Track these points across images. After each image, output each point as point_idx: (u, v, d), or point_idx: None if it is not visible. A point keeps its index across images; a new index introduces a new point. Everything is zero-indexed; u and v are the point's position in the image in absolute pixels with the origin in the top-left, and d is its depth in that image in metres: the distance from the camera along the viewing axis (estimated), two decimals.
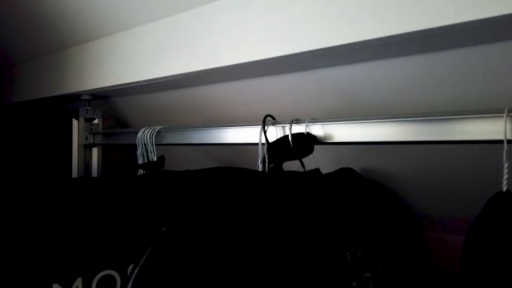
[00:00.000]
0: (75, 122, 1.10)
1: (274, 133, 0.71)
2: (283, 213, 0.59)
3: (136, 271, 0.47)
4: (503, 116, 0.49)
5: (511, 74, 0.58)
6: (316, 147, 0.67)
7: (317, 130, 0.67)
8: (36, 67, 1.15)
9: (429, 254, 0.90)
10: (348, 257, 0.64)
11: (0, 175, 1.24)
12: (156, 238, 0.49)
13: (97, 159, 1.11)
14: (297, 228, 0.59)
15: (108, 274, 0.56)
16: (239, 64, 0.70)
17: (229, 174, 0.64)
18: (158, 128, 0.89)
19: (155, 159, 0.87)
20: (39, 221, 0.53)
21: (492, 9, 0.46)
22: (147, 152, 0.88)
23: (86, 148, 1.11)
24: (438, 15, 0.50)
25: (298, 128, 0.68)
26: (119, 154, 1.26)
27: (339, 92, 0.76)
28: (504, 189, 0.47)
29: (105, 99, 1.14)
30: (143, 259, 0.47)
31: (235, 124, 0.78)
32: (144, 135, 0.88)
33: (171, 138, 0.89)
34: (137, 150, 0.89)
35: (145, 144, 0.88)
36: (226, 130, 0.79)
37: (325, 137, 0.66)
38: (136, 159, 0.90)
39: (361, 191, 0.78)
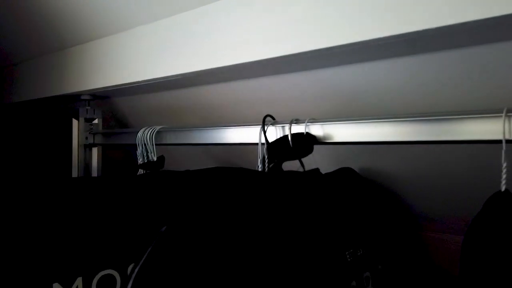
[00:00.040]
0: (75, 122, 1.10)
1: (273, 133, 0.71)
2: (283, 213, 0.59)
3: (136, 270, 0.47)
4: (501, 116, 0.49)
5: (510, 74, 0.58)
6: (316, 147, 0.67)
7: (316, 130, 0.67)
8: (36, 67, 1.15)
9: (429, 254, 0.90)
10: (348, 256, 0.64)
11: (0, 175, 1.24)
12: (156, 238, 0.49)
13: (97, 159, 1.11)
14: (296, 228, 0.60)
15: (108, 274, 0.56)
16: (239, 64, 0.70)
17: (229, 174, 0.64)
18: (158, 128, 0.89)
19: (155, 159, 0.87)
20: (39, 220, 0.53)
21: (491, 10, 0.46)
22: (147, 152, 0.88)
23: (86, 148, 1.11)
24: (437, 15, 0.50)
25: (297, 128, 0.68)
26: (119, 152, 1.26)
27: (339, 92, 0.76)
28: (503, 188, 0.47)
29: (105, 99, 1.15)
30: (143, 258, 0.48)
31: (235, 124, 0.78)
32: (144, 135, 0.88)
33: (171, 138, 0.89)
34: (137, 150, 0.89)
35: (145, 144, 0.88)
36: (226, 130, 0.79)
37: (324, 137, 0.66)
38: (136, 159, 0.90)
39: (360, 191, 0.78)
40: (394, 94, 0.70)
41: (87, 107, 1.09)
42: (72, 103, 1.17)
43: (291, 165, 0.69)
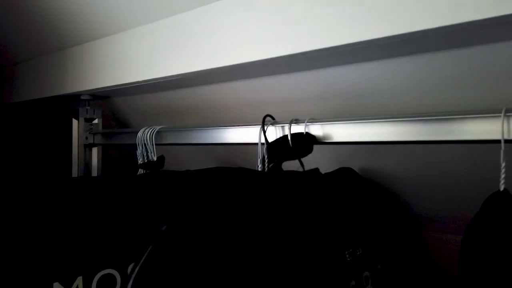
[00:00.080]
0: (75, 122, 1.10)
1: (273, 133, 0.72)
2: (283, 212, 0.59)
3: (136, 270, 0.47)
4: (500, 116, 0.49)
5: (509, 74, 0.58)
6: (316, 147, 0.67)
7: (316, 130, 0.67)
8: (36, 67, 1.16)
9: (429, 254, 0.90)
10: (347, 256, 0.64)
11: (1, 175, 1.24)
12: (156, 237, 0.49)
13: (97, 159, 1.11)
14: (296, 227, 0.60)
15: (108, 273, 0.56)
16: (239, 64, 0.70)
17: (229, 173, 0.64)
18: (158, 128, 0.89)
19: (155, 159, 0.87)
20: (39, 220, 0.53)
21: (490, 10, 0.46)
22: (147, 152, 0.88)
23: (86, 148, 1.11)
24: (437, 16, 0.50)
25: (297, 128, 0.68)
26: (119, 151, 1.26)
27: (339, 92, 0.76)
28: (502, 188, 0.48)
29: (105, 99, 1.15)
30: (143, 258, 0.48)
31: (234, 124, 0.78)
32: (144, 135, 0.88)
33: (171, 138, 0.89)
34: (137, 150, 0.90)
35: (145, 144, 0.88)
36: (225, 130, 0.79)
37: (324, 137, 0.66)
38: (136, 159, 0.90)
39: (360, 190, 0.78)
40: (393, 94, 0.70)
41: (87, 107, 1.10)
42: (72, 103, 1.18)
43: (291, 165, 0.69)
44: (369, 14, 0.56)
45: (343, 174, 0.78)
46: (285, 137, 0.68)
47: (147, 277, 0.47)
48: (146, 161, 0.88)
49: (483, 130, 0.52)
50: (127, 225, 0.58)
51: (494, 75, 0.59)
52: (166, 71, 0.81)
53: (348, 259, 0.64)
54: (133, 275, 0.47)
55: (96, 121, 1.12)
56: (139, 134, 0.89)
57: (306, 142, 0.67)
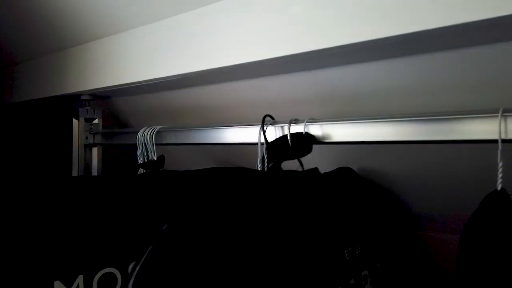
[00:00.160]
0: (75, 122, 1.10)
1: (273, 133, 0.72)
2: (282, 211, 0.60)
3: (137, 269, 0.47)
4: (498, 116, 0.50)
5: (507, 74, 0.59)
6: (315, 146, 0.68)
7: (315, 130, 0.67)
8: (36, 67, 1.16)
9: (429, 254, 0.91)
10: (346, 255, 0.64)
11: (1, 175, 1.24)
12: (157, 236, 0.49)
13: (97, 159, 1.11)
14: (295, 227, 0.60)
15: (109, 272, 0.56)
16: (240, 65, 0.70)
17: (229, 173, 0.65)
18: (158, 128, 0.89)
19: (155, 158, 0.87)
20: (40, 219, 0.53)
21: (489, 11, 0.47)
22: (147, 152, 0.88)
23: (86, 148, 1.11)
24: (436, 16, 0.50)
25: (296, 128, 0.69)
26: (120, 151, 1.27)
27: (339, 92, 0.76)
28: (499, 187, 0.48)
29: (105, 99, 1.15)
30: (144, 257, 0.48)
31: (234, 124, 0.79)
32: (144, 135, 0.89)
33: (171, 138, 0.89)
34: (137, 149, 0.90)
35: (145, 144, 0.88)
36: (225, 130, 0.79)
37: (323, 137, 0.67)
38: (136, 159, 0.90)
39: (359, 190, 0.78)
40: (392, 95, 0.71)
41: (87, 107, 1.10)
42: (73, 103, 1.18)
43: (290, 165, 0.69)
44: (368, 14, 0.56)
45: (342, 173, 0.78)
46: (284, 137, 0.68)
47: (148, 276, 0.47)
48: (146, 161, 0.88)
49: (481, 130, 0.53)
50: (128, 224, 0.59)
51: (490, 75, 0.60)
52: (167, 71, 0.81)
53: (347, 258, 0.64)
54: (134, 274, 0.47)
55: (96, 121, 1.12)
56: (139, 134, 0.89)
57: (305, 142, 0.67)
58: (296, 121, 0.69)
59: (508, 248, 0.46)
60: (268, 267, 0.53)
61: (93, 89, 0.99)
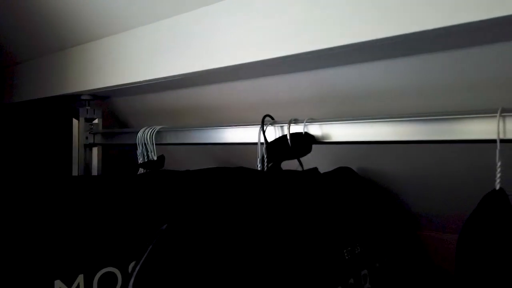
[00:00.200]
0: (75, 122, 1.10)
1: (272, 132, 0.72)
2: (282, 211, 0.60)
3: (137, 268, 0.47)
4: (496, 116, 0.50)
5: (506, 75, 0.59)
6: (314, 146, 0.68)
7: (315, 130, 0.67)
8: (36, 67, 1.16)
9: (428, 254, 0.91)
10: (346, 254, 0.65)
11: (1, 174, 1.24)
12: (157, 235, 0.49)
13: (97, 159, 1.12)
14: (295, 226, 0.60)
15: (109, 272, 0.56)
16: (240, 65, 0.70)
17: (229, 173, 0.65)
18: (158, 128, 0.90)
19: (155, 158, 0.87)
20: (41, 218, 0.53)
21: (488, 12, 0.47)
22: (147, 152, 0.88)
23: (86, 147, 1.11)
24: (436, 16, 0.50)
25: (296, 128, 0.69)
26: (119, 151, 1.27)
27: (338, 93, 0.77)
28: (497, 187, 0.48)
29: (105, 99, 1.15)
30: (145, 256, 0.48)
31: (234, 124, 0.79)
32: (144, 135, 0.89)
33: (171, 138, 0.89)
34: (137, 149, 0.90)
35: (145, 144, 0.89)
36: (225, 130, 0.80)
37: (323, 137, 0.67)
38: (136, 159, 0.91)
39: (358, 189, 0.79)
40: (392, 95, 0.71)
41: (87, 107, 1.10)
42: (73, 103, 1.18)
43: (290, 165, 0.69)
44: (368, 15, 0.56)
45: (342, 173, 0.79)
46: (284, 137, 0.68)
47: (149, 275, 0.47)
48: (146, 160, 0.88)
49: (480, 130, 0.53)
50: (128, 224, 0.59)
51: (489, 75, 0.60)
52: (167, 71, 0.82)
53: (347, 258, 0.65)
54: (134, 273, 0.47)
55: (96, 121, 1.12)
56: (139, 134, 0.90)
57: (305, 141, 0.67)
58: (296, 121, 0.69)
59: (506, 247, 0.47)
60: (268, 267, 0.54)
61: (93, 89, 0.99)
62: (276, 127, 0.72)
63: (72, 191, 0.58)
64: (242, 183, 0.61)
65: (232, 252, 0.51)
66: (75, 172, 1.10)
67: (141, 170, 0.87)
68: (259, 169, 0.70)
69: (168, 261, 0.48)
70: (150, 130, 0.89)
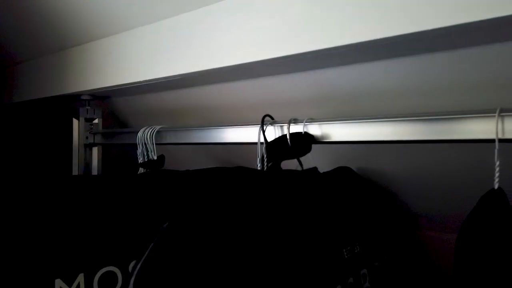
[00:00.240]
0: (75, 122, 1.11)
1: (272, 132, 0.72)
2: (282, 210, 0.60)
3: (138, 267, 0.48)
4: (495, 116, 0.50)
5: (505, 75, 0.59)
6: (314, 146, 0.68)
7: (314, 129, 0.68)
8: (37, 67, 1.16)
9: (428, 254, 0.91)
10: (345, 253, 0.65)
11: (2, 174, 1.24)
12: (158, 234, 0.49)
13: (97, 159, 1.12)
14: (295, 225, 0.60)
15: (109, 271, 0.56)
16: (240, 65, 0.71)
17: (229, 172, 0.65)
18: (158, 127, 0.90)
19: (155, 158, 0.88)
20: (41, 218, 0.54)
21: (487, 12, 0.47)
22: (147, 151, 0.89)
23: (86, 147, 1.11)
24: (436, 16, 0.51)
25: (296, 128, 0.69)
26: (119, 151, 1.27)
27: (338, 93, 0.77)
28: (496, 186, 0.48)
29: (105, 99, 1.15)
30: (145, 255, 0.48)
31: (234, 124, 0.79)
32: (144, 135, 0.89)
33: (171, 138, 0.89)
34: (137, 149, 0.90)
35: (145, 144, 0.89)
36: (225, 129, 0.80)
37: (322, 137, 0.67)
38: (136, 158, 0.91)
39: (358, 189, 0.79)
40: (392, 94, 0.71)
41: (87, 107, 1.10)
42: (73, 103, 1.18)
43: (289, 164, 0.69)
44: (368, 15, 0.56)
45: (341, 173, 0.79)
46: (284, 136, 0.68)
47: (149, 274, 0.47)
48: (146, 160, 0.88)
49: (479, 129, 0.53)
50: (128, 223, 0.59)
51: (488, 76, 0.60)
52: (167, 71, 0.82)
53: (346, 257, 0.65)
54: (135, 272, 0.47)
55: (96, 121, 1.12)
56: (139, 133, 0.90)
57: (304, 141, 0.68)
58: (295, 121, 0.69)
59: (505, 247, 0.47)
60: (267, 265, 0.54)
61: (93, 89, 0.99)
62: (276, 127, 0.72)
63: (72, 191, 0.58)
64: (242, 182, 0.61)
65: (232, 251, 0.51)
66: (75, 172, 1.11)
67: (141, 170, 0.87)
68: (259, 168, 0.70)
69: (169, 260, 0.48)
70: (150, 130, 0.89)
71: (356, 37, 0.57)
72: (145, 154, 0.89)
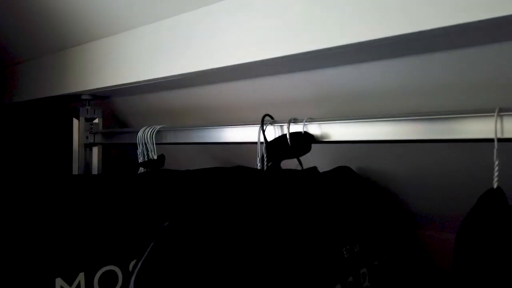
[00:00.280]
0: (75, 122, 1.11)
1: (272, 132, 0.72)
2: (281, 209, 0.60)
3: (138, 266, 0.48)
4: (494, 115, 0.50)
5: (505, 75, 0.59)
6: (314, 146, 0.68)
7: (314, 129, 0.68)
8: (37, 67, 1.16)
9: (428, 253, 0.91)
10: (345, 253, 0.65)
11: (2, 174, 1.24)
12: (158, 233, 0.50)
13: (98, 159, 1.12)
14: (295, 225, 0.61)
15: (110, 270, 0.57)
16: (240, 65, 0.71)
17: (229, 172, 0.65)
18: (158, 127, 0.90)
19: (155, 157, 0.88)
20: (41, 217, 0.54)
21: (487, 11, 0.47)
22: (148, 151, 0.89)
23: (87, 147, 1.12)
24: (436, 16, 0.51)
25: (296, 127, 0.69)
26: (119, 151, 1.27)
27: (338, 92, 0.77)
28: (495, 186, 0.49)
29: (105, 99, 1.15)
30: (145, 254, 0.48)
31: (234, 124, 0.79)
32: (145, 134, 0.89)
33: (171, 137, 0.90)
34: (137, 149, 0.90)
35: (145, 143, 0.89)
36: (225, 129, 0.80)
37: (322, 136, 0.67)
38: (136, 158, 0.91)
39: (357, 189, 0.79)
40: (392, 94, 0.71)
41: (87, 107, 1.10)
42: (73, 103, 1.18)
43: (289, 164, 0.70)
44: (368, 15, 0.56)
45: (341, 172, 0.79)
46: (283, 136, 0.68)
47: (150, 273, 0.47)
48: (146, 160, 0.88)
49: (478, 129, 0.53)
50: (129, 222, 0.59)
51: (490, 76, 0.60)
52: (167, 71, 0.82)
53: (346, 256, 0.65)
54: (135, 272, 0.47)
55: (96, 120, 1.12)
56: (140, 133, 0.90)
57: (304, 141, 0.68)
58: (295, 121, 0.70)
59: (504, 246, 0.47)
60: (267, 264, 0.54)
61: (93, 89, 0.99)
62: (276, 127, 0.72)
63: (72, 190, 0.58)
64: (242, 182, 0.61)
65: (232, 250, 0.52)
66: (75, 172, 1.11)
67: (141, 169, 0.87)
68: (258, 168, 0.70)
69: (170, 259, 0.48)
70: (150, 130, 0.89)
71: (356, 37, 0.57)
72: (145, 153, 0.89)
